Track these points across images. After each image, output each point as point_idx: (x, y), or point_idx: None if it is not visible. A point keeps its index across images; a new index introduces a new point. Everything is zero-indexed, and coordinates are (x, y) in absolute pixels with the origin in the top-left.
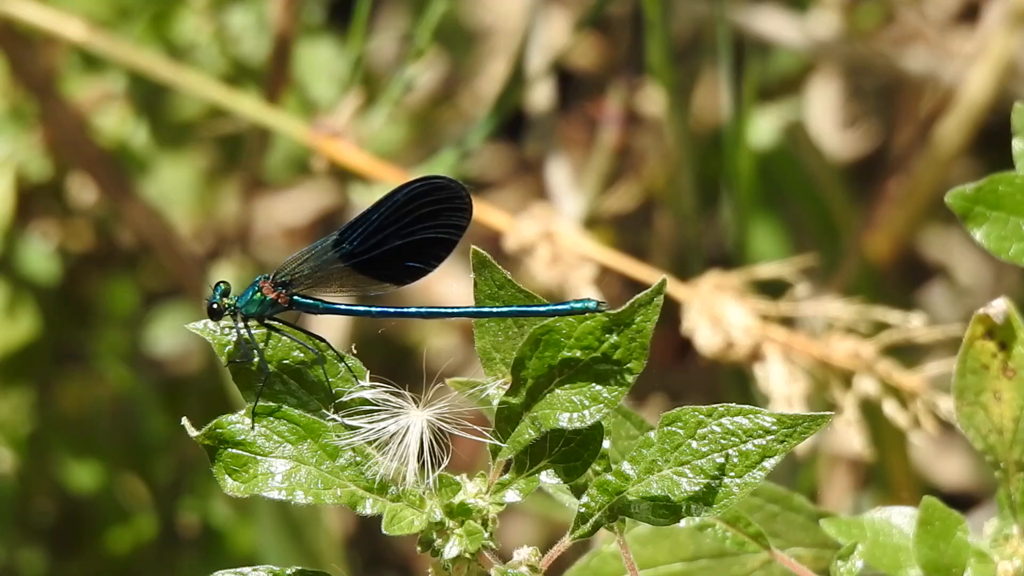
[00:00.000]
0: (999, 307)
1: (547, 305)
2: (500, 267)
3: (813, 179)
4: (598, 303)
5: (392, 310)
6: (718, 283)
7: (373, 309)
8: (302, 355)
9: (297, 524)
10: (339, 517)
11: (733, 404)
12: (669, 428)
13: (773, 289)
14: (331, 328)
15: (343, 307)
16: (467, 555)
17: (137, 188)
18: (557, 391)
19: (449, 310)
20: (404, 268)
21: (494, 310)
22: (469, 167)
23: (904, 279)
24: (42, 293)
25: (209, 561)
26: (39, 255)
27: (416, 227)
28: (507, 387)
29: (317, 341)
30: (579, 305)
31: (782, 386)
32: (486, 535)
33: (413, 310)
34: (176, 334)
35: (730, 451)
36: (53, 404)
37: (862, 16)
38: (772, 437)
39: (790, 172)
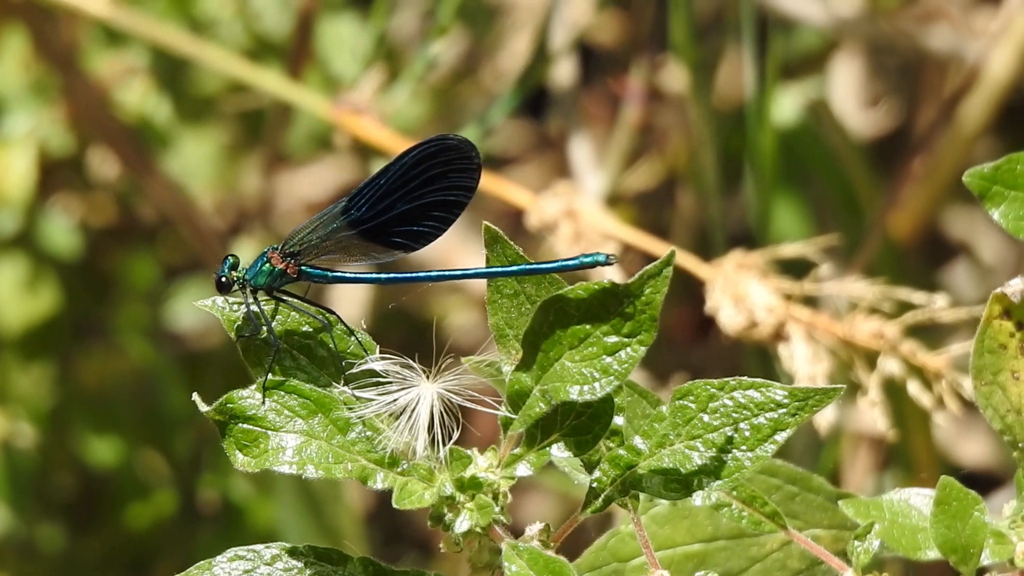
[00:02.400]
0: (1016, 286)
1: (557, 261)
2: (511, 242)
3: (836, 157)
4: (607, 256)
5: (400, 276)
6: (741, 262)
7: (382, 276)
8: (311, 330)
9: (317, 500)
10: (359, 494)
11: (745, 378)
12: (681, 402)
13: (796, 268)
14: (348, 303)
15: (352, 275)
16: (478, 529)
17: (159, 163)
18: (567, 363)
19: (458, 273)
20: (413, 232)
21: (503, 270)
22: (491, 143)
23: (927, 258)
24: (63, 267)
25: (229, 537)
26: (60, 229)
27: (425, 190)
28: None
29: (327, 314)
30: (588, 259)
31: (805, 366)
32: (497, 509)
33: (422, 274)
34: (196, 309)
35: (742, 424)
36: (73, 379)
37: None
38: (784, 410)
39: (813, 150)
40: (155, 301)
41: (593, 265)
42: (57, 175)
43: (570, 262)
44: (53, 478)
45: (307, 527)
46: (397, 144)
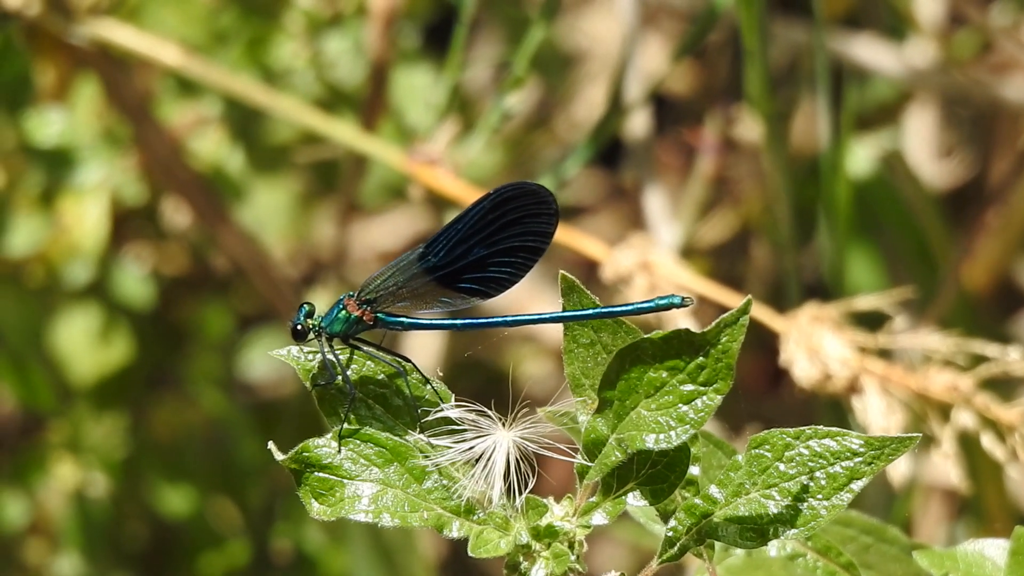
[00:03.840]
0: None
1: (633, 304)
2: (588, 291)
3: (910, 208)
4: (683, 298)
5: (476, 321)
6: (816, 314)
7: (458, 321)
8: (386, 378)
9: (389, 549)
10: (431, 542)
11: (821, 427)
12: (757, 451)
13: (870, 320)
14: (421, 352)
15: (427, 322)
16: None
17: (232, 212)
18: (643, 412)
19: (534, 317)
20: (489, 279)
21: (579, 313)
22: (565, 193)
23: (1000, 309)
24: (136, 317)
25: None
26: (133, 279)
27: (502, 235)
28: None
29: (403, 362)
30: (664, 301)
31: (880, 418)
32: (572, 558)
33: (498, 319)
34: (270, 359)
35: (817, 473)
36: (146, 428)
37: (959, 44)
38: (860, 459)
39: (887, 201)
40: (228, 351)
41: (668, 307)
42: (129, 224)
43: (645, 304)
44: (126, 527)
45: None
46: (470, 195)
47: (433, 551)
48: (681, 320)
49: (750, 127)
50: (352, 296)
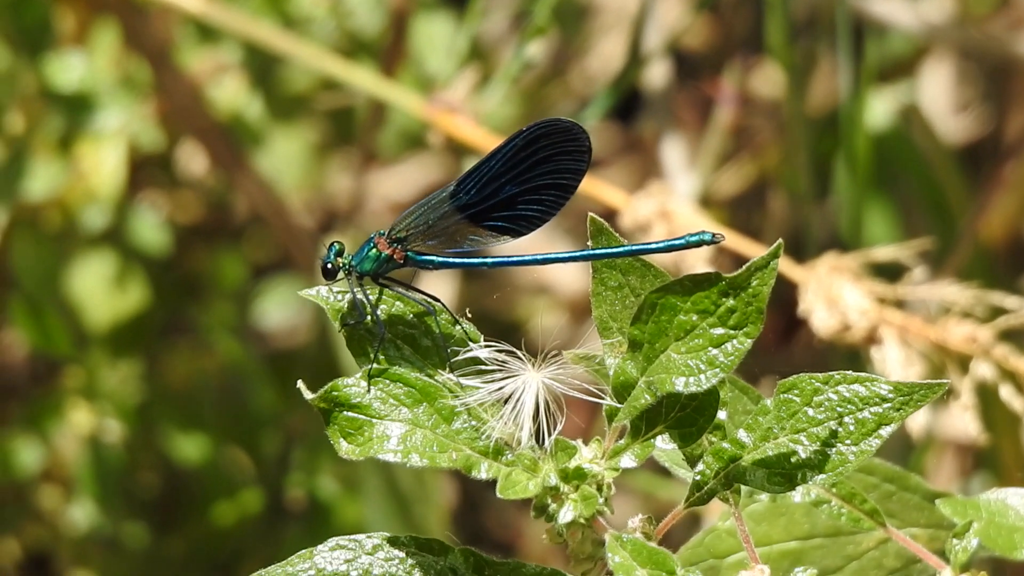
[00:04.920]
0: None
1: (664, 241)
2: (616, 234)
3: (927, 162)
4: (713, 235)
5: (507, 259)
6: (835, 265)
7: (488, 259)
8: (415, 318)
9: (405, 499)
10: (444, 493)
11: (850, 372)
12: (785, 396)
13: (888, 272)
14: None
15: (458, 261)
16: (582, 520)
17: (250, 160)
18: (673, 355)
19: (564, 255)
20: (520, 216)
21: (610, 251)
22: None
23: (1015, 263)
24: (152, 264)
25: (315, 536)
26: (149, 226)
27: (534, 172)
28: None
29: (433, 301)
30: (695, 238)
31: (898, 369)
32: (601, 500)
33: (528, 257)
34: (284, 307)
35: (846, 418)
36: (161, 376)
37: (976, 0)
38: (889, 405)
39: (904, 155)
40: (242, 300)
41: (699, 244)
42: (146, 171)
43: (677, 241)
44: (139, 475)
45: (395, 526)
46: (491, 143)
47: (447, 502)
48: (702, 268)
49: (767, 80)
50: (382, 234)
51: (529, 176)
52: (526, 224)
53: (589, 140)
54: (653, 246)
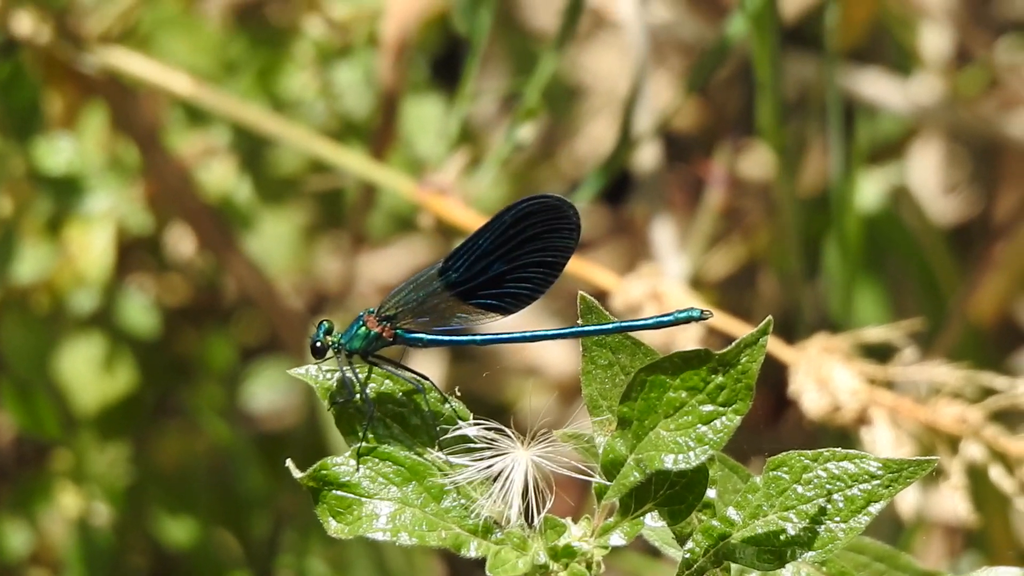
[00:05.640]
0: None
1: (653, 318)
2: (607, 312)
3: (917, 243)
4: (702, 311)
5: (496, 336)
6: (826, 345)
7: (477, 337)
8: (404, 397)
9: None
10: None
11: (839, 449)
12: (775, 473)
13: (878, 352)
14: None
15: (447, 338)
16: None
17: (239, 242)
18: (662, 433)
19: (553, 332)
20: (509, 295)
21: (599, 328)
22: None
23: (1005, 343)
24: (140, 347)
25: None
26: (138, 308)
27: (522, 250)
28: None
29: (421, 379)
30: (683, 315)
31: (888, 450)
32: None
33: (518, 334)
34: (273, 389)
35: (835, 496)
36: (150, 458)
37: (965, 81)
38: (878, 482)
39: (895, 235)
40: (232, 381)
41: (688, 320)
42: (134, 254)
43: (665, 318)
44: (128, 558)
45: None
46: (480, 225)
47: None
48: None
49: (757, 161)
50: (372, 312)
51: (518, 254)
52: (514, 302)
53: (578, 216)
54: (642, 323)
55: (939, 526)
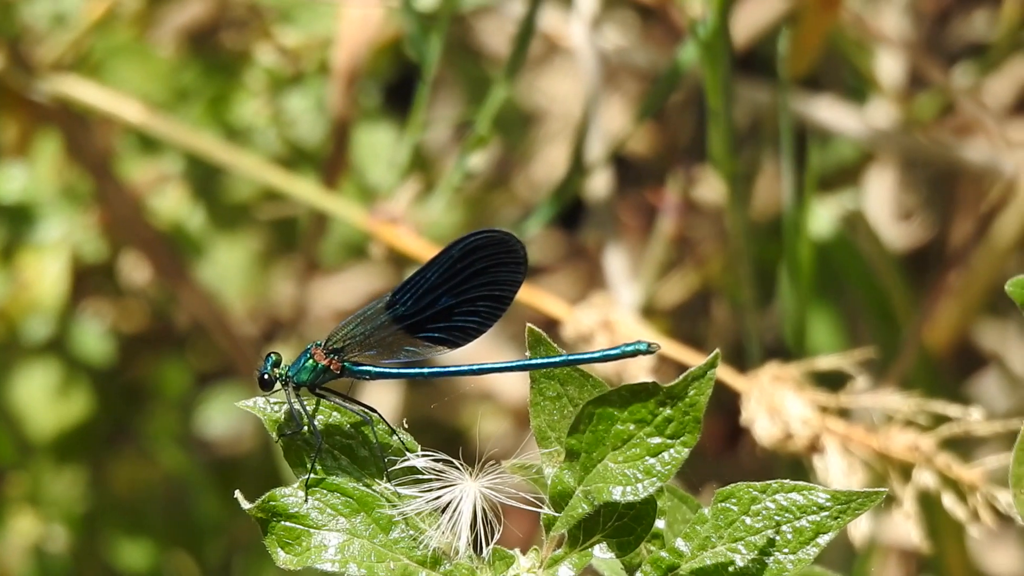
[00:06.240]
0: None
1: (600, 352)
2: (555, 344)
3: (871, 269)
4: (648, 344)
5: (442, 369)
6: (777, 374)
7: (424, 370)
8: (352, 429)
9: None
10: None
11: (787, 480)
12: (723, 504)
13: (831, 380)
14: (380, 410)
15: (394, 371)
16: None
17: (192, 270)
18: (610, 465)
19: (500, 366)
20: (457, 328)
21: (546, 361)
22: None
23: (959, 369)
24: (95, 373)
25: None
26: (92, 335)
27: (470, 284)
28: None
29: (369, 412)
30: (631, 348)
31: (841, 478)
32: None
33: (464, 368)
34: (228, 415)
35: (784, 527)
36: (105, 484)
37: (921, 106)
38: (826, 513)
39: (848, 261)
40: (187, 408)
41: (635, 354)
42: (89, 281)
43: (612, 351)
44: None
45: None
46: (432, 253)
47: None
48: (643, 377)
49: (711, 187)
50: (319, 345)
51: (465, 288)
52: (462, 335)
53: (525, 251)
54: (589, 356)
55: (895, 550)
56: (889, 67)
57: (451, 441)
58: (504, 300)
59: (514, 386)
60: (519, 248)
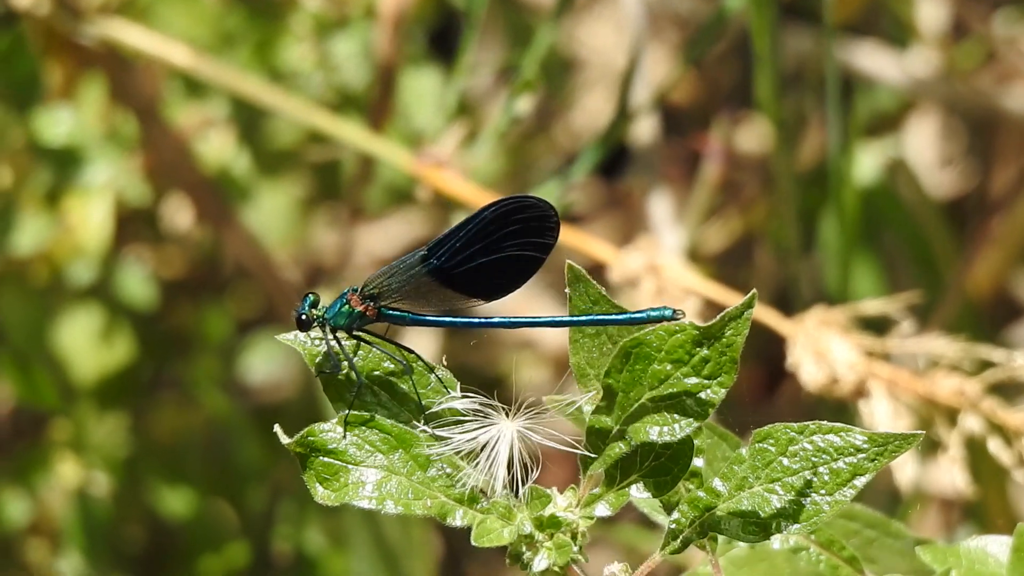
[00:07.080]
0: None
1: (626, 313)
2: (593, 281)
3: (913, 216)
4: (674, 311)
5: (477, 320)
6: (823, 319)
7: (459, 319)
8: (392, 366)
9: (392, 552)
10: (431, 546)
11: (825, 422)
12: (761, 445)
13: (875, 325)
14: (420, 351)
15: (430, 318)
16: (556, 568)
17: (237, 214)
18: (648, 404)
19: (532, 320)
20: (490, 284)
21: (575, 319)
22: (571, 199)
23: (1001, 317)
24: (138, 319)
25: None
26: (136, 280)
27: (503, 244)
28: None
29: (407, 352)
30: (656, 313)
31: (886, 422)
32: (575, 548)
33: (496, 320)
34: (270, 362)
35: (821, 468)
36: (147, 430)
37: (962, 54)
38: (863, 455)
39: (891, 209)
40: (228, 354)
41: (660, 319)
42: (132, 226)
43: (637, 315)
44: (126, 529)
45: None
46: (478, 198)
47: (433, 555)
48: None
49: (755, 134)
50: (355, 291)
51: (499, 247)
52: (495, 291)
53: (557, 216)
54: (613, 318)
55: (936, 499)
56: (931, 15)
57: (490, 388)
58: (536, 261)
59: (554, 334)
60: (551, 213)
